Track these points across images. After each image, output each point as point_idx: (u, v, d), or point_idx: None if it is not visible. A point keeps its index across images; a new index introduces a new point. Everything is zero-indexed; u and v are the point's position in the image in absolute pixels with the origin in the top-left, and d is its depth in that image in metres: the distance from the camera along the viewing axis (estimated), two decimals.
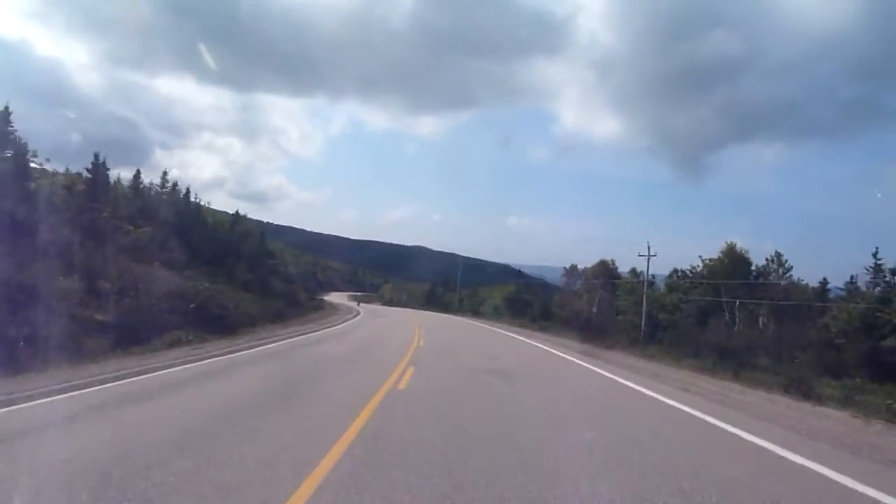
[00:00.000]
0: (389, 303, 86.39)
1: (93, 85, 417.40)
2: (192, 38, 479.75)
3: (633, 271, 40.16)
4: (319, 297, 57.64)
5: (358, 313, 44.60)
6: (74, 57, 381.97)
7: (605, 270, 44.77)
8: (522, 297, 53.27)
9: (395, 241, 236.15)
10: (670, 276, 40.15)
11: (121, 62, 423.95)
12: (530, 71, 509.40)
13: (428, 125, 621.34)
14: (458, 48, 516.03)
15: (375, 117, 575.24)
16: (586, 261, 52.44)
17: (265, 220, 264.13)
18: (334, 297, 77.56)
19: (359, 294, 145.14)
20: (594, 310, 41.11)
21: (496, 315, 46.97)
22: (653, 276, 39.87)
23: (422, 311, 52.38)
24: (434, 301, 72.40)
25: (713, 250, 38.48)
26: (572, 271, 49.44)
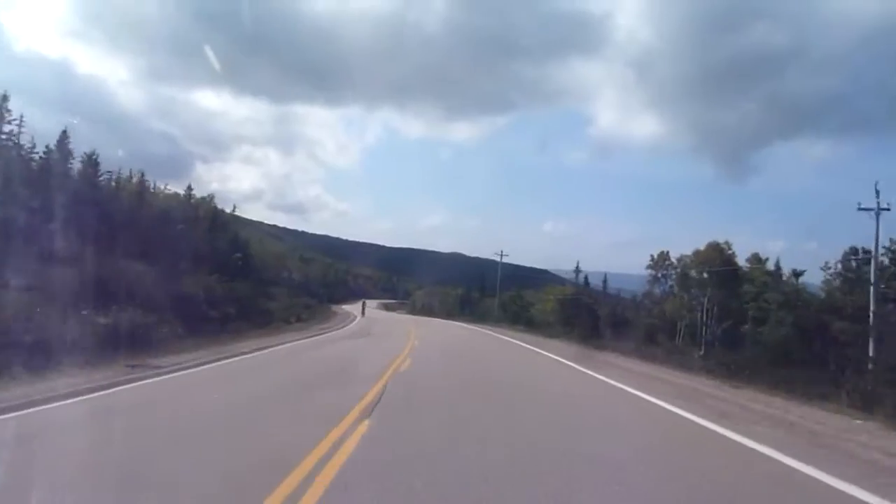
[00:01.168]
0: (418, 310, 75.11)
1: (134, 101, 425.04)
2: (228, 50, 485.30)
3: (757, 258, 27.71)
4: (328, 305, 48.45)
5: (345, 326, 34.82)
6: (116, 74, 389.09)
7: (719, 256, 31.17)
8: (581, 301, 40.65)
9: (430, 248, 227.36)
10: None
11: (160, 77, 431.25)
12: (566, 72, 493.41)
13: (463, 131, 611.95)
14: (493, 51, 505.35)
15: (410, 125, 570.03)
16: (625, 266, 40.74)
17: (300, 229, 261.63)
18: (358, 306, 69.27)
19: (390, 302, 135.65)
20: (707, 319, 28.33)
21: (547, 327, 35.48)
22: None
23: (446, 322, 40.75)
24: (469, 307, 60.43)
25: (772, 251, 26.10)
26: (661, 262, 36.32)
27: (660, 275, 36.80)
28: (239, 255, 43.18)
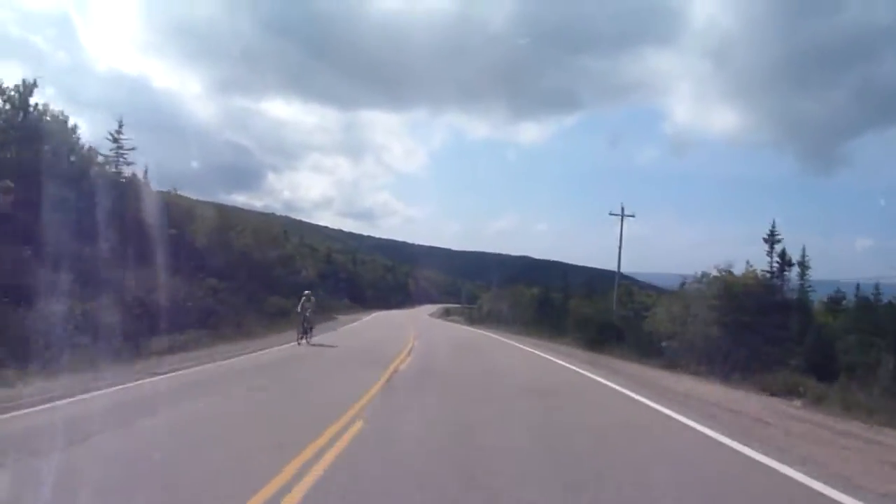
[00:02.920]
0: (483, 318, 61.05)
1: (207, 113, 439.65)
2: (296, 59, 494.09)
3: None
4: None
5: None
6: (188, 87, 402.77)
7: None
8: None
9: (497, 251, 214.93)
10: None
11: (231, 88, 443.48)
12: (639, 65, 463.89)
13: (530, 131, 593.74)
14: (561, 46, 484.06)
15: (476, 127, 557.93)
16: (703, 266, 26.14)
17: (366, 233, 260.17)
18: (396, 316, 57.82)
19: (453, 306, 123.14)
20: None
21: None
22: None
23: (516, 347, 25.67)
24: (548, 313, 45.66)
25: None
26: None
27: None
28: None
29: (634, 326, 28.68)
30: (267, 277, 41.35)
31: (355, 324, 37.08)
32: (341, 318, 43.80)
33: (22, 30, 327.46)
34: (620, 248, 36.51)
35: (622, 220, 37.16)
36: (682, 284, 27.03)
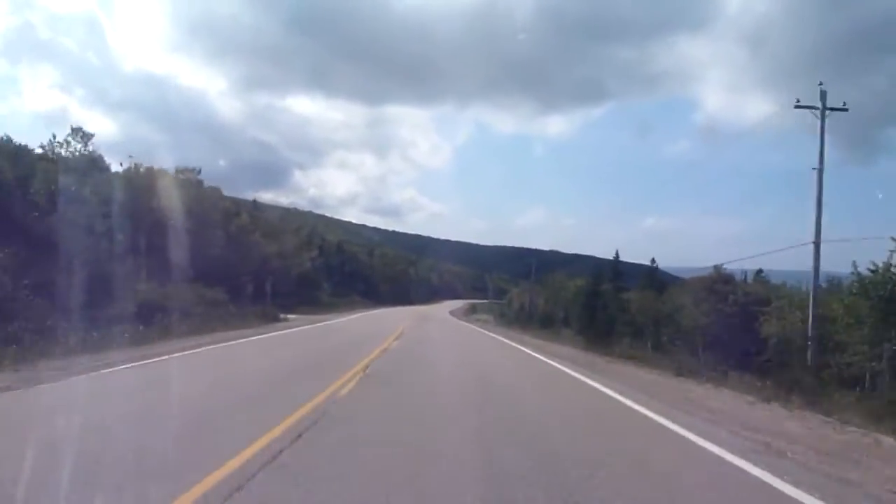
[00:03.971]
0: (515, 317, 52.72)
1: (233, 110, 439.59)
2: (321, 55, 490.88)
3: None
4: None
5: None
6: (214, 84, 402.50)
7: None
8: None
9: (525, 246, 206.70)
10: None
11: (256, 85, 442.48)
12: (670, 53, 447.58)
13: (557, 124, 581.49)
14: (589, 35, 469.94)
15: (502, 121, 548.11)
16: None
17: (391, 228, 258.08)
18: (398, 314, 48.58)
19: (480, 302, 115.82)
20: None
21: None
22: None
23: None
24: (596, 309, 37.14)
25: None
26: None
27: None
28: None
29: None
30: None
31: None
32: (298, 318, 30.44)
33: (52, 32, 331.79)
34: (820, 175, 18.30)
35: (823, 115, 18.71)
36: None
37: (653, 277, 42.33)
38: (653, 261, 45.44)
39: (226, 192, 37.25)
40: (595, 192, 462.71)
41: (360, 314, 45.01)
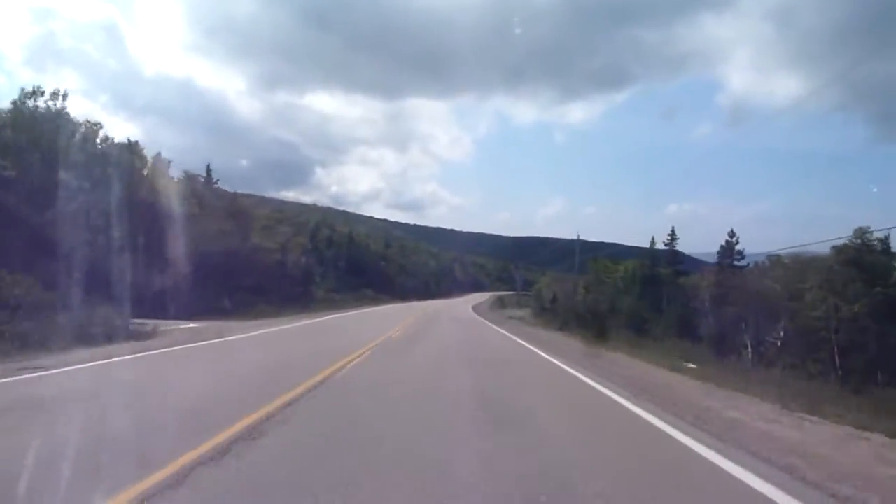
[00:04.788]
0: (550, 313, 44.04)
1: (253, 109, 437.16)
2: (337, 50, 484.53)
3: None
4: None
5: None
6: (233, 84, 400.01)
7: None
8: None
9: (550, 235, 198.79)
10: None
11: (275, 84, 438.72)
12: (695, 33, 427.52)
13: (579, 111, 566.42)
14: (611, 17, 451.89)
15: (524, 110, 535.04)
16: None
17: (412, 222, 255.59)
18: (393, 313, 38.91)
19: (507, 294, 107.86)
20: None
21: None
22: None
23: None
24: (654, 297, 28.74)
25: None
26: None
27: None
28: None
29: None
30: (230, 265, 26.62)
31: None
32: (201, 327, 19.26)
33: (74, 40, 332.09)
34: None
35: None
36: None
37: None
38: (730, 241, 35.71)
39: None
40: (619, 179, 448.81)
41: (349, 313, 35.31)
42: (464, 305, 59.50)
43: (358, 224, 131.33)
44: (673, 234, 39.74)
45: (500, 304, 70.12)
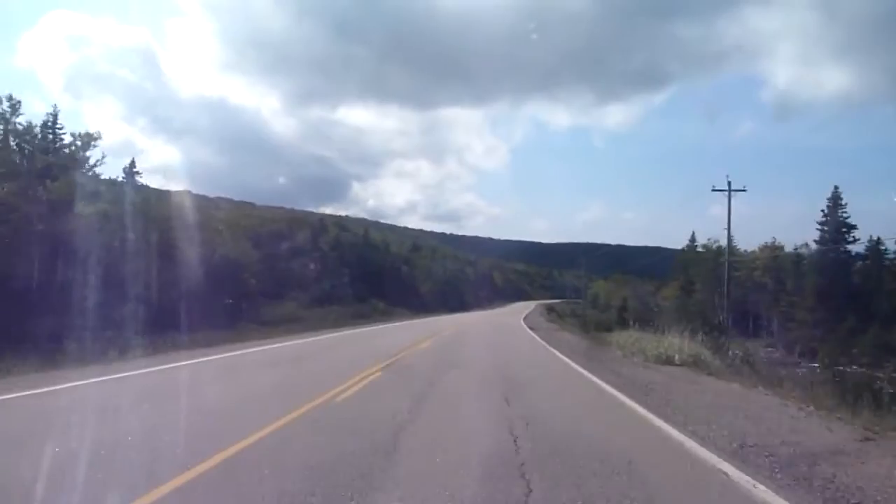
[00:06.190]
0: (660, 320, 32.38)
1: (288, 126, 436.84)
2: (369, 62, 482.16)
3: None
4: None
5: None
6: (268, 102, 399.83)
7: None
8: None
9: (591, 241, 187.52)
10: None
11: (308, 99, 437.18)
12: (736, 27, 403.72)
13: (616, 114, 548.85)
14: (647, 14, 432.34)
15: (559, 115, 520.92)
16: None
17: (449, 232, 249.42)
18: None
19: (554, 302, 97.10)
20: None
21: None
22: None
23: None
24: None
25: None
26: None
27: None
28: None
29: None
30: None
31: None
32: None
33: (110, 65, 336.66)
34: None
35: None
36: None
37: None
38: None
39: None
40: (660, 182, 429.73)
41: (272, 347, 18.07)
42: (512, 319, 44.62)
43: (392, 235, 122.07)
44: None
45: (556, 314, 57.52)
